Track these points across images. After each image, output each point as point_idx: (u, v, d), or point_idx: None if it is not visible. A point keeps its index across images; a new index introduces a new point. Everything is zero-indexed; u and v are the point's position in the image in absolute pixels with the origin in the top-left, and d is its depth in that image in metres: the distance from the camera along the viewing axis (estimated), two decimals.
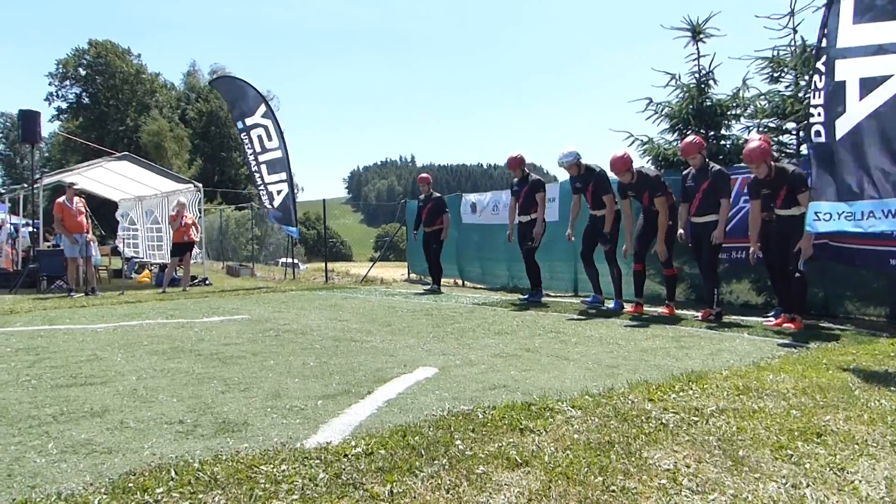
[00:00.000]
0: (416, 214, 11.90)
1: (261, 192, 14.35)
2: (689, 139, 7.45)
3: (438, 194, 11.71)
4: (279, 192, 13.96)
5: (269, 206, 14.20)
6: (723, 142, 9.48)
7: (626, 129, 9.89)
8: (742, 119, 9.52)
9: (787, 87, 9.00)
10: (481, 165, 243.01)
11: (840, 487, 2.40)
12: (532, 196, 9.21)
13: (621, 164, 7.74)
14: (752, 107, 9.29)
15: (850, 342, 5.67)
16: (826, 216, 5.23)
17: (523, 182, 9.37)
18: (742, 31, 10.39)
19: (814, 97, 5.33)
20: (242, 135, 14.32)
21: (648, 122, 11.12)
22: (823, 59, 5.25)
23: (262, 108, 13.90)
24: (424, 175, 12.07)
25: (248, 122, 14.00)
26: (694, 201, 7.25)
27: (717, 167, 7.28)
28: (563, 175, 9.04)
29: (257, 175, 14.20)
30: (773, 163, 6.54)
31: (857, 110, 5.00)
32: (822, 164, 5.28)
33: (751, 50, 9.13)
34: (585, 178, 8.45)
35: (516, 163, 9.47)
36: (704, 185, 7.15)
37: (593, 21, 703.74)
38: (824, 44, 5.28)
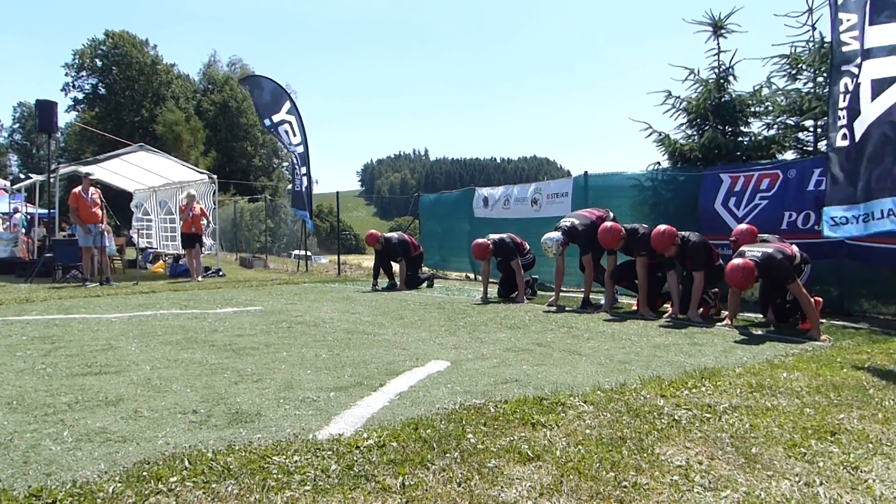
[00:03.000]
0: (376, 265, 11.58)
1: (295, 179, 14.75)
2: (661, 230, 7.09)
3: (394, 237, 11.32)
4: (300, 184, 14.32)
5: (299, 191, 14.55)
6: (741, 138, 9.40)
7: (644, 122, 9.84)
8: (761, 116, 9.42)
9: (805, 83, 8.92)
10: (494, 159, 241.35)
11: (854, 486, 2.38)
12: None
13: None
14: (770, 104, 9.21)
15: (864, 341, 5.63)
16: (842, 220, 5.20)
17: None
18: (763, 28, 10.33)
19: (842, 100, 5.28)
20: (271, 130, 14.81)
21: (665, 119, 11.09)
22: (858, 59, 5.20)
23: (287, 105, 14.27)
24: (372, 232, 11.29)
25: (275, 118, 14.35)
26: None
27: (693, 241, 7.07)
28: (576, 170, 9.06)
29: (292, 166, 14.64)
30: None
31: (870, 111, 4.96)
32: (839, 167, 5.25)
33: (772, 47, 9.06)
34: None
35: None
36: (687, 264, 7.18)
37: (609, 15, 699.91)
38: (856, 46, 5.22)
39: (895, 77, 4.84)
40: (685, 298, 7.18)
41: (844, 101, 5.25)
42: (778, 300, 6.59)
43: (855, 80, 5.16)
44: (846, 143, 5.20)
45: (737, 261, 5.96)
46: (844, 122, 5.21)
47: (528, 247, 9.53)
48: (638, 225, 7.79)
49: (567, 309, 8.06)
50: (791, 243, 6.55)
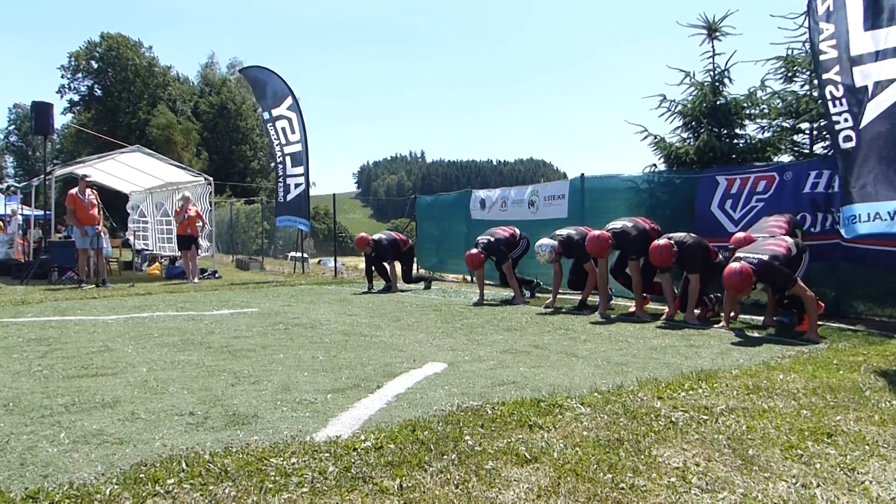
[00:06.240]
0: (369, 267, 11.32)
1: (278, 185, 14.48)
2: (658, 245, 7.03)
3: (383, 238, 11.02)
4: (297, 186, 14.08)
5: (280, 200, 14.31)
6: (736, 141, 9.42)
7: (640, 125, 9.86)
8: (756, 119, 9.45)
9: (801, 86, 8.95)
10: (491, 161, 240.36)
11: (850, 488, 2.39)
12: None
13: (601, 249, 7.62)
14: (765, 106, 9.23)
15: (860, 342, 5.64)
16: (865, 217, 5.22)
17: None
18: (758, 30, 10.32)
19: (833, 105, 5.32)
20: (268, 125, 14.52)
21: (660, 121, 11.08)
22: (837, 67, 5.26)
23: (289, 101, 14.00)
24: (362, 236, 10.99)
25: (275, 112, 14.15)
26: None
27: (688, 243, 7.03)
28: (572, 172, 9.09)
29: (281, 166, 14.36)
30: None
31: (876, 114, 5.00)
32: (853, 167, 5.27)
33: (766, 49, 9.07)
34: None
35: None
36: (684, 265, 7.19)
37: (604, 17, 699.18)
38: (834, 54, 5.29)
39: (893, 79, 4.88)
40: (683, 299, 7.18)
41: (839, 105, 5.29)
42: (776, 296, 6.65)
43: (840, 86, 5.22)
44: (852, 144, 5.24)
45: (734, 265, 5.96)
46: (849, 124, 5.24)
47: (518, 233, 9.47)
48: (630, 226, 7.71)
49: (563, 310, 8.07)
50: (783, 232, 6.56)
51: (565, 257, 8.50)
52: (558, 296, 8.66)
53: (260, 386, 4.00)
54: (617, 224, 7.78)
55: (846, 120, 5.25)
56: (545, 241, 8.30)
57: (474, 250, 9.12)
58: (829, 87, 5.36)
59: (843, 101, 5.24)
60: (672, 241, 7.02)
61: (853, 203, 5.31)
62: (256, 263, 19.55)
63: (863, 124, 5.12)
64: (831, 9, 5.28)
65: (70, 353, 5.04)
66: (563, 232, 8.46)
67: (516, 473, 2.49)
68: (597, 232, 7.63)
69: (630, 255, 7.59)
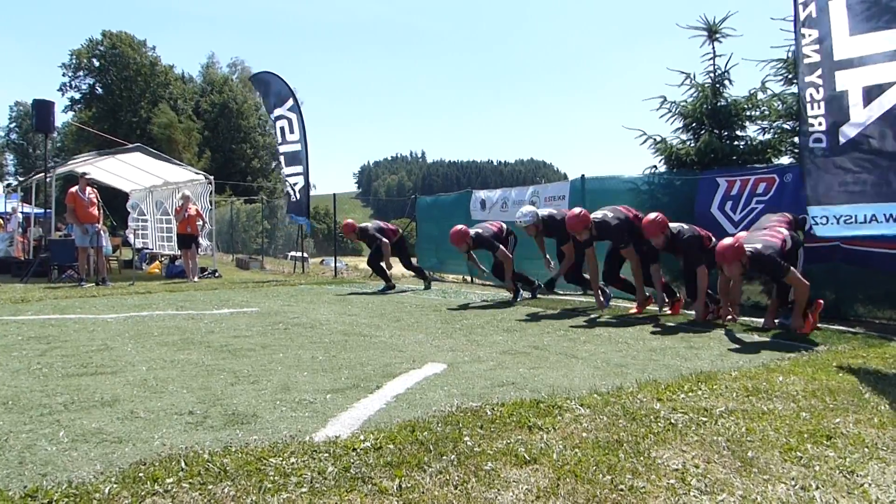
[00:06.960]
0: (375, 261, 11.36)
1: (287, 184, 14.73)
2: (652, 217, 7.09)
3: (370, 226, 11.09)
4: (295, 185, 14.25)
5: (294, 199, 14.52)
6: (736, 142, 9.43)
7: (639, 128, 9.86)
8: (757, 120, 9.45)
9: None
10: (491, 162, 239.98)
11: (849, 490, 2.39)
12: None
13: (579, 225, 7.53)
14: (766, 108, 9.24)
15: (860, 345, 5.64)
16: (822, 220, 5.25)
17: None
18: (759, 32, 10.33)
19: (811, 108, 5.36)
20: (273, 123, 15.01)
21: (661, 122, 11.08)
22: (819, 71, 5.29)
23: (290, 102, 14.39)
24: (349, 222, 11.18)
25: (277, 112, 14.49)
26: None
27: (686, 236, 7.00)
28: (573, 173, 9.15)
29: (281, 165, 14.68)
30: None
31: (861, 118, 5.01)
32: (820, 169, 5.30)
33: (767, 51, 9.08)
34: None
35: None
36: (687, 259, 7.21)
37: (604, 18, 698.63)
38: (817, 58, 5.31)
39: (890, 83, 4.87)
40: (690, 288, 7.19)
41: (816, 108, 5.33)
42: (779, 298, 6.68)
43: (821, 88, 5.25)
44: (822, 145, 5.27)
45: (727, 239, 6.06)
46: (822, 127, 5.28)
47: (506, 228, 9.51)
48: (611, 216, 7.64)
49: (563, 311, 8.07)
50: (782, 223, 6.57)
51: (546, 237, 8.50)
52: (561, 297, 8.65)
53: (259, 385, 4.00)
54: (598, 214, 7.71)
55: (820, 124, 5.29)
56: (527, 207, 8.38)
57: (460, 226, 9.17)
58: (810, 90, 5.40)
59: (822, 104, 5.27)
60: (666, 220, 7.05)
61: (814, 205, 5.35)
62: (256, 263, 19.57)
63: (841, 129, 5.14)
64: (814, 14, 5.32)
65: (69, 352, 5.04)
66: (545, 211, 8.55)
67: (515, 474, 2.49)
68: (578, 209, 7.63)
69: (617, 244, 7.58)
